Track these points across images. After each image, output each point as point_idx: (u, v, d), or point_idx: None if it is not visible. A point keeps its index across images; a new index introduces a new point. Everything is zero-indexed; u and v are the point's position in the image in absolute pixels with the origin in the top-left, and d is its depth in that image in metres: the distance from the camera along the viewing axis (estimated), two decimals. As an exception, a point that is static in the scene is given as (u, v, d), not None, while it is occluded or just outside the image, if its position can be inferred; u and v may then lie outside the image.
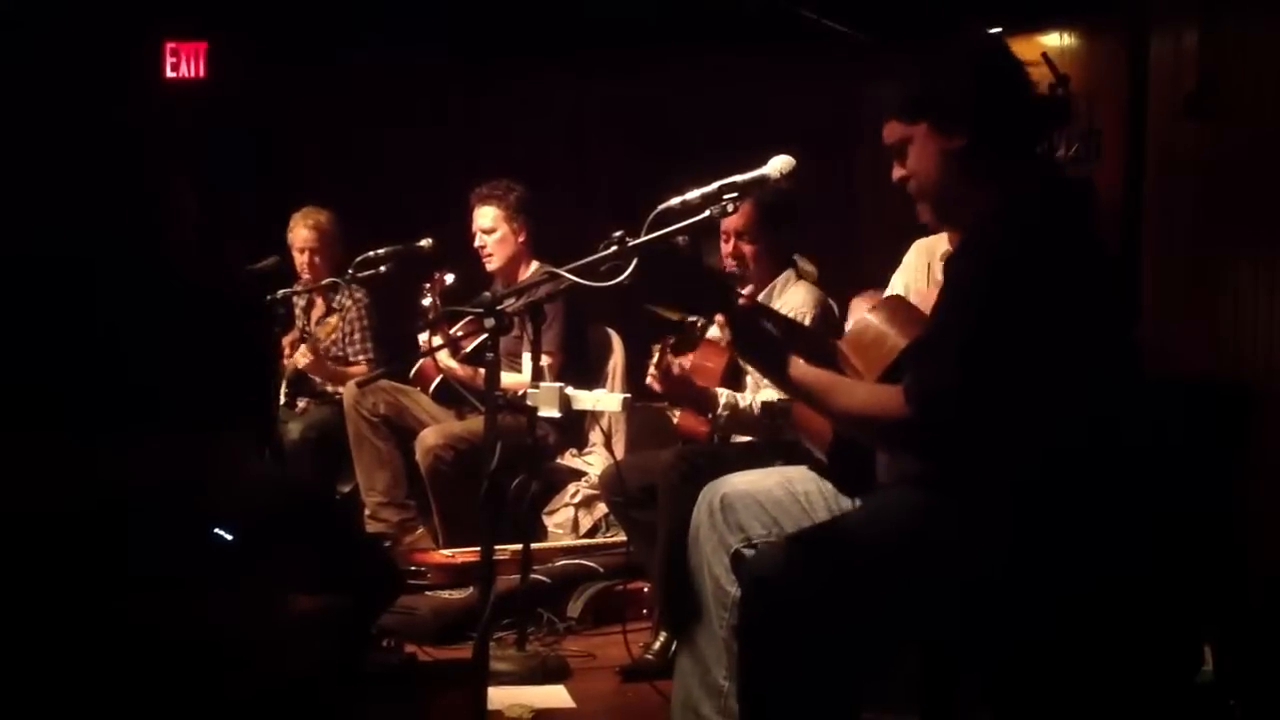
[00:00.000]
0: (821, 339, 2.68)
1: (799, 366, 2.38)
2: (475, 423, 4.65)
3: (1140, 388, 2.34)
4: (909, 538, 2.21)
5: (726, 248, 3.98)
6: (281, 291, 4.59)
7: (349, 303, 5.26)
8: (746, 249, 3.94)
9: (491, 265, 4.94)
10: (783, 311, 3.87)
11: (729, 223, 3.90)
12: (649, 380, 3.81)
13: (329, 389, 5.31)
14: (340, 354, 5.27)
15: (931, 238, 3.42)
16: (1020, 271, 2.17)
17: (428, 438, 4.73)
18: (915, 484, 2.27)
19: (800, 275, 4.01)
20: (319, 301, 5.42)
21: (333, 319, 5.16)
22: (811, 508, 2.80)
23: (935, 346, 2.23)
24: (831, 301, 3.94)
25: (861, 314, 2.67)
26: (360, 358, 5.27)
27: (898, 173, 2.41)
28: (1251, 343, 3.96)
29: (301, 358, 5.07)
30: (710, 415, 3.79)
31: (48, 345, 2.59)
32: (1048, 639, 2.23)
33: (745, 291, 2.58)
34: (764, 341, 2.40)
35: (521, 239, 4.92)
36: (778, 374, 2.38)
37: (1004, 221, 2.24)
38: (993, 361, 2.14)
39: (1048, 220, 2.24)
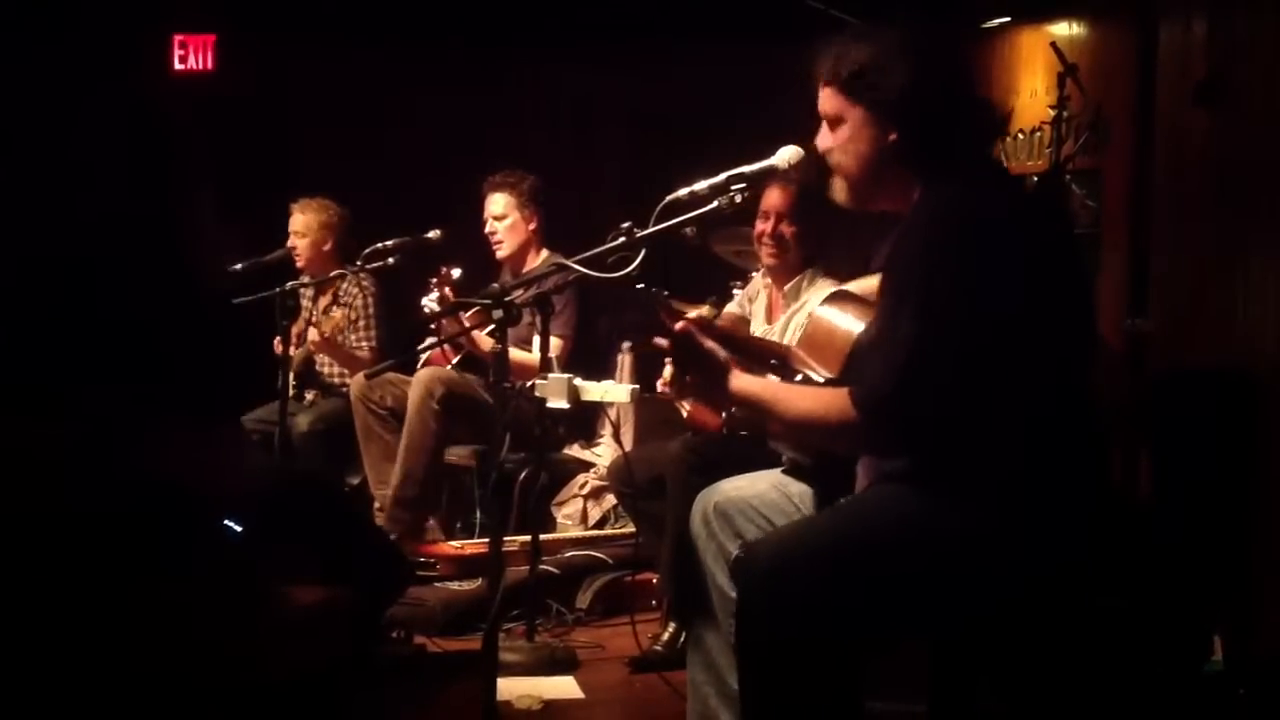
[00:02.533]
0: (776, 349, 2.69)
1: (743, 380, 2.40)
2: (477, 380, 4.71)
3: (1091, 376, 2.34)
4: (898, 526, 2.22)
5: (764, 226, 3.93)
6: (290, 283, 4.59)
7: (356, 290, 5.27)
8: (787, 230, 3.90)
9: (501, 252, 4.97)
10: (809, 305, 3.87)
11: (771, 202, 3.87)
12: (660, 387, 3.81)
13: (337, 380, 5.31)
14: (344, 342, 5.28)
15: None
16: (950, 270, 2.16)
17: (423, 373, 4.77)
18: (897, 480, 2.27)
19: (826, 272, 3.99)
20: (328, 292, 5.43)
21: (338, 313, 5.18)
22: (804, 507, 2.79)
23: (876, 349, 2.24)
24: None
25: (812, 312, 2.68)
26: (364, 344, 5.27)
27: (824, 143, 2.39)
28: (1261, 334, 3.95)
29: (311, 340, 5.09)
30: (725, 412, 3.78)
31: (52, 339, 2.60)
32: (1048, 628, 2.23)
33: (696, 313, 2.58)
34: (703, 362, 2.41)
35: (532, 227, 4.95)
36: (721, 392, 2.41)
37: (932, 220, 2.24)
38: (932, 359, 2.14)
39: (977, 218, 2.22)
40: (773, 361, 2.66)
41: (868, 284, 2.65)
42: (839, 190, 2.41)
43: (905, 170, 2.32)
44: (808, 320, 2.84)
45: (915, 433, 2.19)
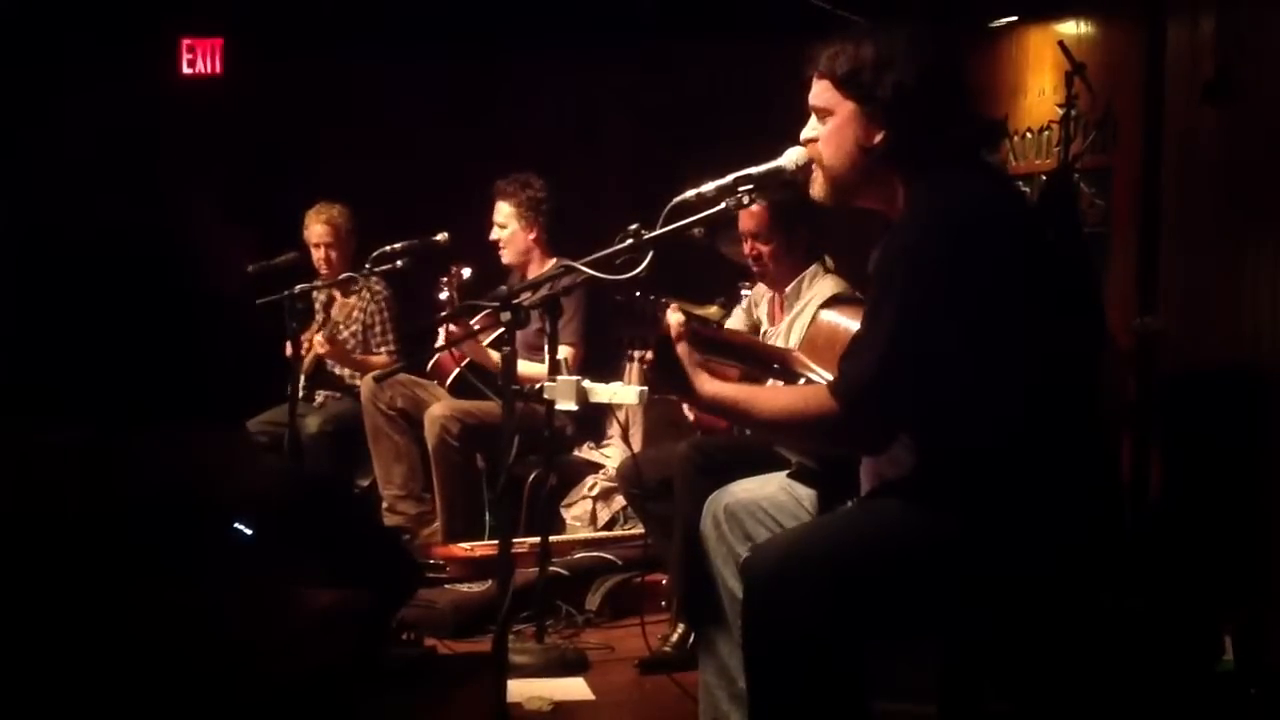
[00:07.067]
0: (778, 353, 2.69)
1: (714, 386, 2.40)
2: (486, 404, 4.67)
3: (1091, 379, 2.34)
4: (901, 529, 2.22)
5: (746, 248, 3.97)
6: (299, 287, 4.60)
7: (368, 294, 5.29)
8: (763, 249, 3.93)
9: (505, 259, 5.00)
10: (812, 304, 3.88)
11: (744, 225, 3.90)
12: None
13: (348, 379, 5.32)
14: (360, 341, 5.30)
15: None
16: (930, 266, 2.17)
17: (435, 410, 4.76)
18: (899, 485, 2.27)
19: (827, 270, 3.99)
20: (339, 296, 5.43)
21: (351, 299, 5.18)
22: (812, 510, 2.79)
23: (859, 343, 2.25)
24: (859, 294, 3.92)
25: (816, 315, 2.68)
26: (383, 349, 5.31)
27: (808, 133, 2.39)
28: (1271, 332, 3.93)
29: (319, 346, 5.10)
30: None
31: (59, 344, 2.61)
32: (1057, 628, 2.23)
33: (704, 313, 2.58)
34: (673, 370, 2.41)
35: (532, 236, 4.95)
36: (690, 399, 2.42)
37: (915, 220, 2.25)
38: (910, 352, 2.16)
39: (960, 218, 2.22)
40: (775, 366, 2.66)
41: None
42: (818, 185, 2.40)
43: (887, 170, 2.32)
44: (810, 324, 2.85)
45: (893, 424, 2.21)
